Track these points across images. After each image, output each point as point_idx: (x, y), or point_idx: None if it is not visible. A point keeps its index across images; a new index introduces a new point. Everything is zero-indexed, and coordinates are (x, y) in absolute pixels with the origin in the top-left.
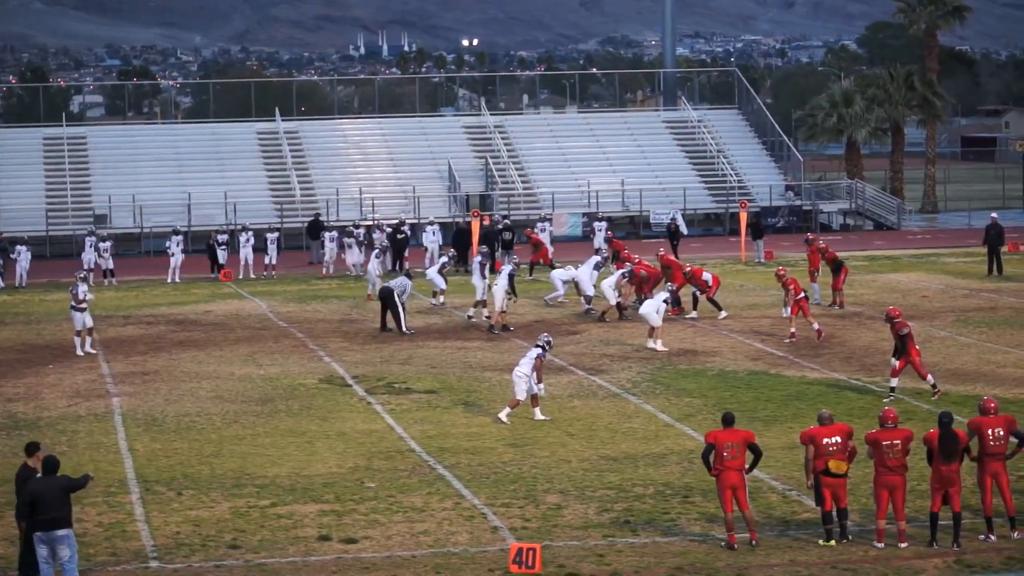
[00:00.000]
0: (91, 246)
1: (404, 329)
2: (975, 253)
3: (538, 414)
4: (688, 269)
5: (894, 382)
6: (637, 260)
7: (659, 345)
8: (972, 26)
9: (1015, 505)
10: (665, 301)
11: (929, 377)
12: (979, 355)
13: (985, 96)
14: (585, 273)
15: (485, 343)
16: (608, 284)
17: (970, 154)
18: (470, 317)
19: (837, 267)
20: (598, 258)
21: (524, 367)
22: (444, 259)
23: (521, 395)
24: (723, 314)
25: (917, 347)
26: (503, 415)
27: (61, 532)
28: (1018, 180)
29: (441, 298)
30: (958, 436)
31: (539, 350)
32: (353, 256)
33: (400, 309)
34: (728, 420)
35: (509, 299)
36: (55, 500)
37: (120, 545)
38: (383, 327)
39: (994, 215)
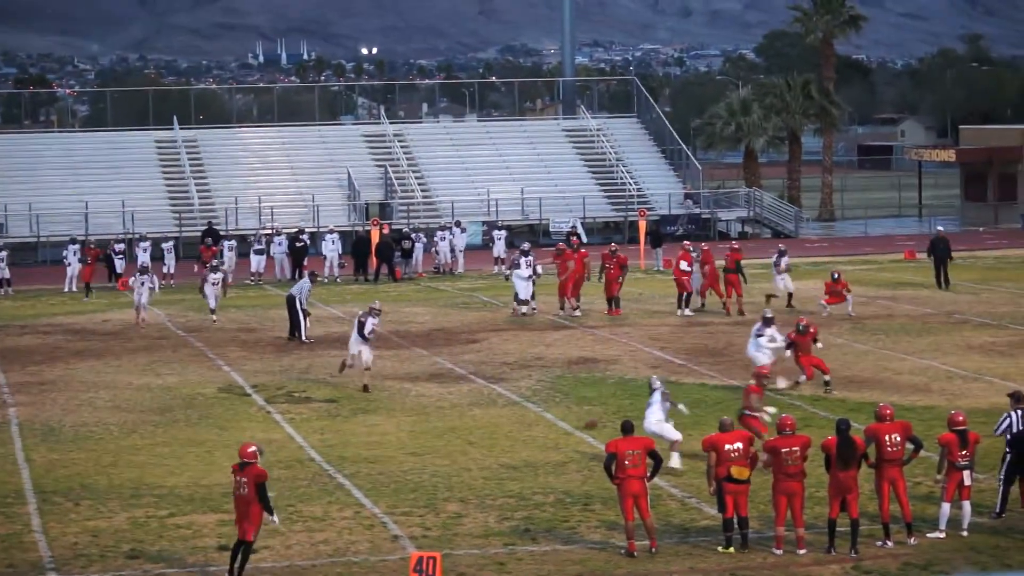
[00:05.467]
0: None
1: (304, 338)
2: (871, 261)
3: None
4: (613, 248)
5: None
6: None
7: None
8: (868, 35)
9: (912, 511)
10: None
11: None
12: (876, 362)
13: (881, 105)
14: (520, 277)
15: (385, 351)
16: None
17: (866, 162)
18: (524, 314)
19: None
20: (524, 257)
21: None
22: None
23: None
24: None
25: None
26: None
27: None
28: (914, 188)
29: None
30: (856, 443)
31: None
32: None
33: (301, 317)
34: (627, 428)
35: None
36: None
37: (17, 556)
38: (291, 335)
39: (940, 228)
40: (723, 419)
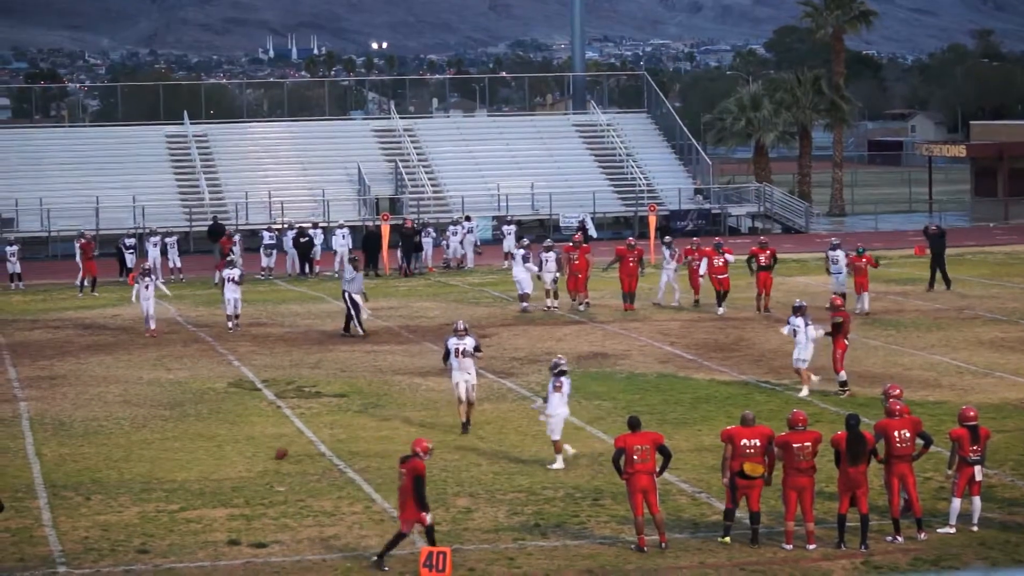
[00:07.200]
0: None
1: (360, 331)
2: (881, 256)
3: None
4: (631, 242)
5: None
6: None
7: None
8: (878, 30)
9: (921, 506)
10: None
11: (841, 374)
12: (886, 357)
13: (891, 100)
14: (520, 271)
15: (395, 347)
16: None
17: (877, 158)
18: (524, 311)
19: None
20: (523, 251)
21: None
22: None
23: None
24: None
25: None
26: None
27: None
28: (924, 184)
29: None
30: (865, 438)
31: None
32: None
33: (351, 310)
34: (634, 424)
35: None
36: None
37: (28, 551)
38: (346, 330)
39: (935, 225)
40: (746, 414)
